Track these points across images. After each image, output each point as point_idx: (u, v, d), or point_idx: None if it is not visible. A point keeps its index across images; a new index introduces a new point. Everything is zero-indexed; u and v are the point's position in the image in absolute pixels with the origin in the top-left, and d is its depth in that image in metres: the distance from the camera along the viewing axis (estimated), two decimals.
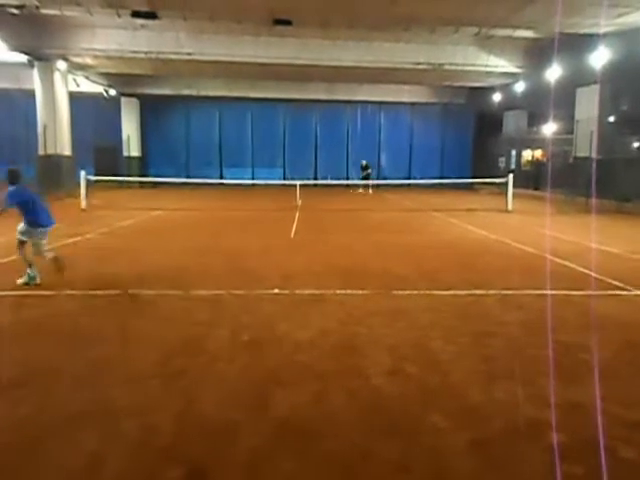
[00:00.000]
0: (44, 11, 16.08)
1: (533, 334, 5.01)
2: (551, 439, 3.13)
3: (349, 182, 29.37)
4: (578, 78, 20.03)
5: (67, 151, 21.75)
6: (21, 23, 17.27)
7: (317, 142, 33.27)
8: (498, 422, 3.36)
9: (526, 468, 2.92)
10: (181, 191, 25.15)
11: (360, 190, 26.19)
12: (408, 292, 6.60)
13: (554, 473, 2.81)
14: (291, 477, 2.81)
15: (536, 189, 25.09)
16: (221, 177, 31.43)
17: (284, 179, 30.31)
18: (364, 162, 26.94)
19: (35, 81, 20.92)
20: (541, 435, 3.20)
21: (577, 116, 21.47)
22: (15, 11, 15.66)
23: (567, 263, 8.38)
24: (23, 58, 20.12)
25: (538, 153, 27.59)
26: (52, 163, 21.15)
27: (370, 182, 25.90)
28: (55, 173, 21.08)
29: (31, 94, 21.32)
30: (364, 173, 26.41)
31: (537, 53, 20.66)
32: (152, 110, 31.47)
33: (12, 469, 2.86)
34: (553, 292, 6.52)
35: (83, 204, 16.33)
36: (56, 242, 9.95)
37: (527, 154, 28.62)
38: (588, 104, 20.61)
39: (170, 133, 32.38)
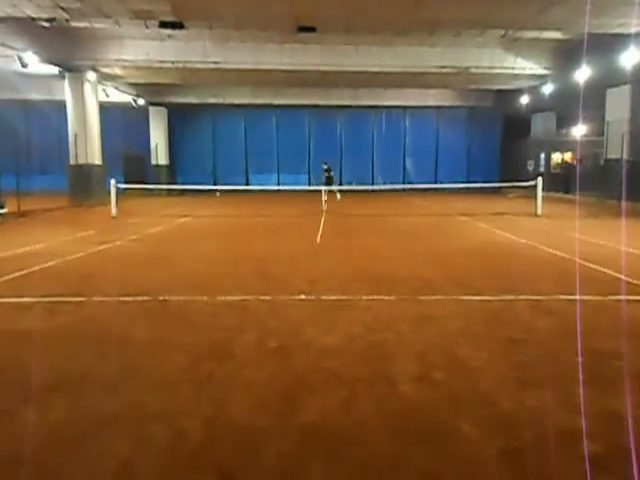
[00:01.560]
0: (74, 24, 16.48)
1: (565, 340, 4.91)
2: (585, 448, 3.05)
3: (375, 187, 29.30)
4: (608, 79, 19.66)
5: (97, 160, 22.21)
6: (52, 36, 17.74)
7: (342, 148, 33.34)
8: (530, 431, 3.29)
9: (559, 478, 2.85)
10: (208, 198, 25.45)
11: (325, 198, 21.28)
12: (436, 297, 6.53)
13: None
14: None
15: (566, 192, 24.65)
16: (247, 183, 31.72)
17: (309, 185, 30.41)
18: (325, 165, 23.78)
19: (66, 92, 21.44)
20: (574, 444, 3.12)
21: (608, 117, 21.07)
22: (46, 24, 16.08)
23: (599, 267, 8.20)
24: (54, 70, 20.64)
25: (568, 156, 27.12)
26: (83, 172, 21.62)
27: (335, 187, 22.82)
28: (86, 182, 21.54)
29: (62, 105, 21.85)
30: (326, 176, 23.28)
31: (565, 54, 20.34)
32: (179, 119, 31.99)
33: (45, 473, 2.91)
34: (585, 297, 6.38)
35: (113, 212, 16.64)
36: (87, 249, 10.17)
37: (556, 157, 28.17)
38: (619, 105, 20.21)
39: (197, 141, 32.85)
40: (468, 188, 26.14)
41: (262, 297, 6.52)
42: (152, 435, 3.26)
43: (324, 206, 18.37)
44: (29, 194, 18.63)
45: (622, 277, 7.51)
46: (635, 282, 7.21)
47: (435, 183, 30.92)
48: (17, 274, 7.85)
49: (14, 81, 22.37)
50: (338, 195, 22.99)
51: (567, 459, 2.99)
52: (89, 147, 21.71)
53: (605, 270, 7.99)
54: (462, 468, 2.93)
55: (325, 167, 23.89)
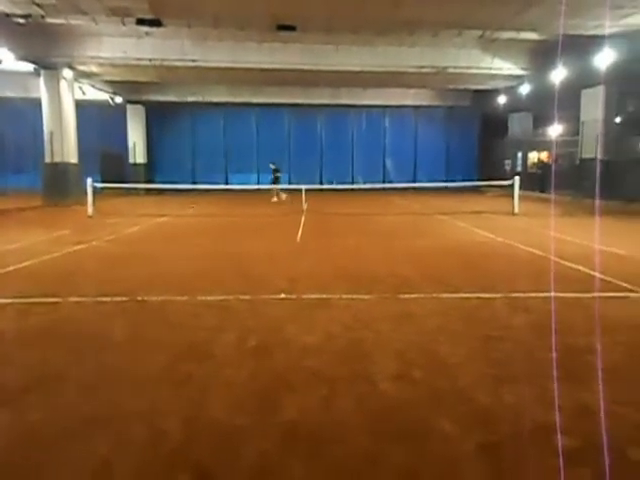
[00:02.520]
0: (50, 20, 16.22)
1: (541, 337, 4.99)
2: (560, 442, 3.11)
3: (355, 186, 29.39)
4: (583, 79, 20.00)
5: (73, 159, 21.88)
6: (27, 32, 17.41)
7: (322, 147, 33.36)
8: (507, 426, 3.34)
9: (535, 472, 2.90)
10: (187, 197, 25.25)
11: (275, 199, 22.54)
12: (415, 296, 6.58)
13: (563, 476, 2.79)
14: None
15: (542, 191, 25.03)
16: (227, 182, 31.55)
17: (289, 184, 30.38)
18: (273, 165, 23.64)
19: (42, 90, 21.07)
20: (550, 438, 3.18)
21: (583, 117, 21.43)
22: (21, 21, 15.79)
23: (574, 265, 8.34)
24: (30, 67, 20.28)
25: (544, 155, 27.54)
26: (59, 171, 21.28)
27: (279, 187, 22.98)
28: (62, 181, 21.20)
29: (38, 103, 21.49)
30: (274, 176, 23.44)
31: (542, 55, 20.64)
32: (157, 117, 31.67)
33: (22, 474, 2.87)
34: (560, 294, 6.49)
35: (90, 211, 16.41)
36: (62, 249, 10.02)
37: (533, 156, 28.59)
38: (593, 105, 20.58)
39: (175, 139, 32.56)
40: (447, 187, 26.40)
41: (242, 296, 6.50)
42: (131, 435, 3.23)
43: (304, 205, 18.38)
44: (3, 193, 18.28)
45: (596, 274, 7.65)
46: (608, 279, 7.35)
47: (414, 182, 31.10)
48: None
49: None
50: (283, 195, 22.95)
51: (543, 453, 3.04)
52: (65, 145, 21.38)
53: (580, 267, 8.14)
54: (441, 464, 2.97)
55: (273, 167, 23.72)
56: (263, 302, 6.31)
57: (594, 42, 17.17)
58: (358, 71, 21.57)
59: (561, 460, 2.92)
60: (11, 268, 8.20)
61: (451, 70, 21.61)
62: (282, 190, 23.06)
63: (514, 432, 3.27)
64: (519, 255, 9.59)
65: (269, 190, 23.13)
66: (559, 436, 3.17)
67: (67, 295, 6.55)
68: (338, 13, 15.38)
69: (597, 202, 17.79)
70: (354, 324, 5.43)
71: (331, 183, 29.65)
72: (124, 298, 6.43)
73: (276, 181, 23.40)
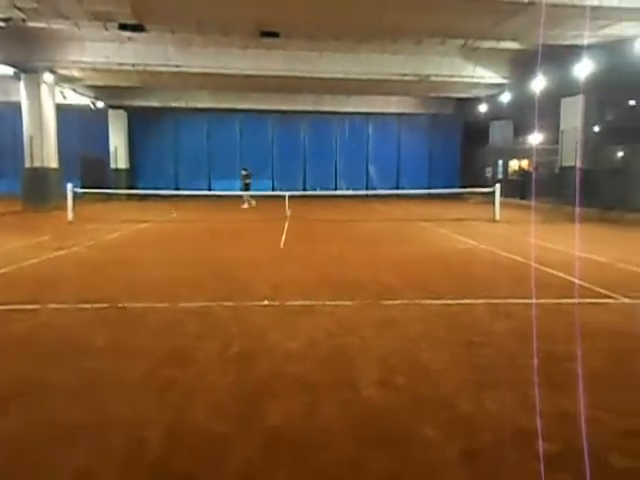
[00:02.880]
0: (31, 24, 16.05)
1: (522, 343, 5.03)
2: (541, 448, 3.14)
3: (338, 192, 29.46)
4: (563, 89, 20.32)
5: (54, 163, 21.60)
6: (7, 36, 17.22)
7: (305, 153, 33.42)
8: (489, 432, 3.36)
9: (517, 478, 2.92)
10: (170, 203, 25.08)
11: (245, 205, 23.16)
12: (398, 302, 6.61)
13: None
14: None
15: (523, 198, 25.33)
16: (209, 188, 31.40)
17: (273, 190, 30.36)
18: (245, 171, 24.26)
19: (21, 93, 20.79)
20: (531, 444, 3.20)
21: (562, 126, 21.74)
22: (1, 24, 15.62)
23: (554, 271, 8.45)
24: (10, 71, 20.03)
25: (524, 163, 27.90)
26: (38, 176, 20.99)
27: (248, 193, 23.41)
28: (41, 186, 20.91)
29: (18, 106, 21.20)
30: (244, 182, 24.07)
31: (522, 64, 20.95)
32: (140, 122, 31.44)
33: None
34: (541, 301, 6.57)
35: (70, 217, 16.21)
36: (42, 255, 9.88)
37: (514, 164, 28.93)
38: (573, 114, 20.90)
39: (158, 145, 32.35)
40: (429, 194, 26.59)
41: (225, 303, 6.47)
42: (112, 443, 3.18)
43: (287, 212, 18.37)
44: None
45: (576, 281, 7.75)
46: (587, 285, 7.45)
47: (397, 189, 31.27)
48: None
49: None
50: (253, 202, 23.37)
51: (525, 458, 3.07)
52: (45, 150, 21.11)
53: (560, 274, 8.24)
54: (424, 471, 2.97)
55: (244, 173, 24.28)
56: (246, 309, 6.28)
57: (573, 52, 17.47)
58: (341, 78, 21.67)
59: (542, 465, 2.94)
60: None
61: (434, 78, 21.83)
62: (252, 197, 23.40)
63: (496, 438, 3.29)
64: (500, 262, 9.69)
65: (240, 197, 23.52)
66: (540, 442, 3.20)
67: (47, 302, 6.45)
68: (322, 20, 15.46)
69: (577, 209, 18.04)
70: (337, 330, 5.43)
71: (314, 190, 29.69)
72: (105, 305, 6.35)
73: (247, 187, 23.79)
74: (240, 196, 23.72)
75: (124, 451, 3.11)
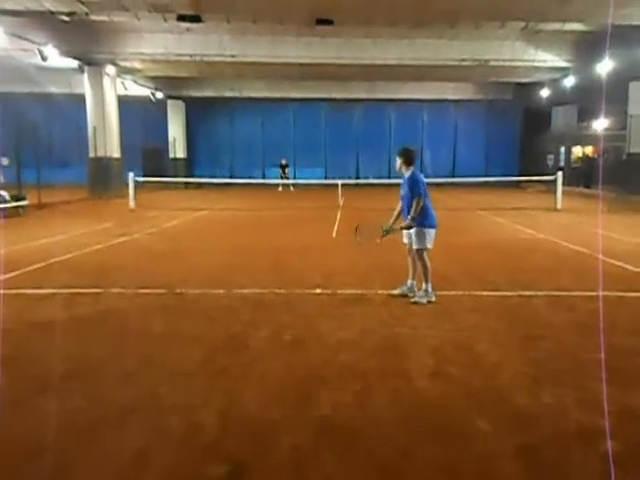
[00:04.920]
0: (93, 17, 16.60)
1: (584, 337, 4.83)
2: (604, 446, 3.00)
3: (392, 181, 29.11)
4: (632, 71, 19.25)
5: (116, 153, 22.39)
6: (72, 30, 17.86)
7: (358, 141, 33.16)
8: (548, 428, 3.24)
9: (577, 476, 2.81)
10: (225, 191, 25.54)
11: (280, 189, 26.27)
12: (453, 292, 6.48)
13: None
14: (333, 476, 2.79)
15: (587, 187, 24.27)
16: (264, 177, 31.72)
17: (325, 178, 30.33)
18: (284, 161, 27.47)
19: (85, 86, 21.60)
20: (593, 442, 3.07)
21: (630, 111, 20.64)
22: (66, 18, 16.21)
23: (620, 263, 8.06)
24: (74, 63, 20.79)
25: (589, 150, 26.66)
26: (102, 165, 21.81)
27: (290, 181, 26.16)
28: (105, 175, 21.73)
29: (82, 99, 22.02)
30: (284, 171, 27.16)
31: (587, 46, 19.94)
32: (197, 112, 32.06)
33: (63, 459, 2.94)
34: (606, 293, 6.27)
35: (131, 205, 16.78)
36: (105, 241, 10.28)
37: (577, 151, 27.71)
38: None
39: (214, 134, 32.92)
40: (486, 182, 25.84)
41: (278, 290, 6.52)
42: (167, 426, 3.27)
43: (340, 200, 18.34)
44: (50, 187, 18.86)
45: None
46: None
47: (453, 177, 30.57)
48: (36, 266, 7.95)
49: (34, 75, 22.57)
50: (291, 188, 26.36)
51: (585, 456, 2.94)
52: (108, 140, 21.88)
53: (626, 266, 7.85)
54: (478, 463, 2.90)
55: (283, 163, 27.27)
56: (298, 296, 6.31)
57: None
58: (396, 64, 21.30)
59: (604, 465, 2.81)
60: (56, 259, 8.44)
61: (493, 63, 21.11)
62: (283, 185, 26.25)
63: (554, 434, 3.17)
64: (562, 252, 9.33)
65: (283, 184, 26.30)
66: (601, 439, 3.06)
67: (109, 286, 6.70)
68: (376, 6, 15.20)
69: None
70: (390, 319, 5.38)
71: (367, 178, 29.46)
72: (163, 290, 6.54)
73: (286, 176, 26.93)
74: (286, 184, 26.23)
75: (179, 434, 3.19)
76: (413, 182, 5.99)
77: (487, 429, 3.22)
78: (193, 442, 3.10)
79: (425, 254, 6.03)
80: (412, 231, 6.00)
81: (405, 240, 6.22)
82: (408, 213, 6.00)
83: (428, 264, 6.02)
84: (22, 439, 3.15)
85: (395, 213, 6.34)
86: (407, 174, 6.10)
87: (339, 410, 3.47)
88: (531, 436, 3.15)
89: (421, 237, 5.96)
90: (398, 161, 6.16)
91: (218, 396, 3.68)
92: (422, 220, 5.94)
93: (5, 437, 3.17)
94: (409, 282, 6.25)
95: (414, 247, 6.03)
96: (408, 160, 6.11)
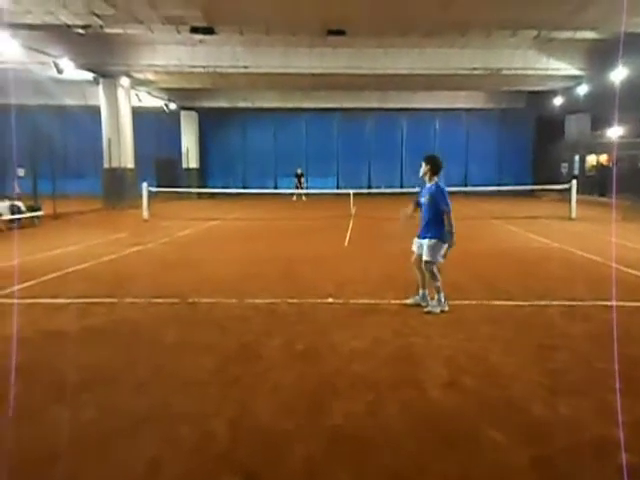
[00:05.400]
0: (108, 30, 16.85)
1: (600, 347, 4.77)
2: (620, 459, 2.95)
3: (404, 190, 29.08)
4: None
5: (130, 164, 22.63)
6: (87, 42, 18.14)
7: (370, 151, 33.20)
8: (563, 439, 3.20)
9: None
10: (238, 201, 25.67)
11: (294, 198, 26.74)
12: (467, 302, 6.43)
13: None
14: None
15: (601, 195, 24.05)
16: (276, 187, 31.86)
17: (337, 188, 30.37)
18: (299, 170, 28.04)
19: (100, 97, 21.92)
20: (609, 454, 3.03)
21: None
22: (81, 31, 16.47)
23: (635, 272, 7.96)
24: (89, 76, 21.11)
25: (603, 158, 26.44)
26: (116, 176, 22.05)
27: (303, 191, 26.63)
28: (119, 185, 21.95)
29: (96, 110, 22.33)
30: (299, 180, 27.62)
31: (600, 54, 19.85)
32: (210, 123, 32.35)
33: (76, 468, 2.96)
34: (622, 303, 6.20)
35: (145, 215, 16.91)
36: (119, 251, 10.36)
37: (591, 159, 27.48)
38: None
39: (227, 145, 33.17)
40: (500, 191, 25.72)
41: (290, 300, 6.53)
42: (179, 436, 3.28)
43: (352, 210, 18.35)
44: (65, 197, 19.09)
45: None
46: None
47: (465, 185, 30.46)
48: (51, 275, 8.03)
49: (50, 87, 22.95)
50: (303, 197, 26.69)
51: (601, 469, 2.90)
52: (122, 151, 22.14)
53: None
54: (493, 475, 2.87)
55: (299, 172, 27.81)
56: (311, 306, 6.31)
57: None
58: (407, 74, 21.35)
59: (619, 477, 2.77)
60: (71, 269, 8.52)
61: (505, 72, 21.08)
62: (297, 195, 26.71)
63: (570, 446, 3.13)
64: (576, 261, 9.24)
65: (298, 194, 26.75)
66: (617, 451, 3.01)
67: (123, 296, 6.75)
68: (387, 16, 15.27)
69: None
70: (403, 329, 5.36)
71: (379, 188, 29.47)
72: (176, 300, 6.57)
73: (301, 185, 27.38)
74: (300, 194, 26.61)
75: (191, 444, 3.19)
76: (439, 195, 5.86)
77: (501, 440, 3.18)
78: (205, 452, 3.10)
79: (435, 267, 5.95)
80: (425, 242, 5.92)
81: (414, 248, 6.12)
82: (429, 224, 5.91)
83: (438, 276, 5.96)
84: (36, 448, 3.17)
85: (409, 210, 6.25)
86: (430, 184, 6.00)
87: (351, 420, 3.45)
88: (545, 447, 3.11)
89: (435, 250, 5.87)
90: (423, 168, 6.02)
91: (230, 405, 3.68)
92: (442, 233, 5.84)
93: (19, 446, 3.19)
94: (421, 292, 6.21)
95: (424, 258, 5.93)
96: (435, 168, 5.98)
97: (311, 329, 5.40)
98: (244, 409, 3.62)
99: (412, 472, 2.89)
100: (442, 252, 5.94)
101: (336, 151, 33.33)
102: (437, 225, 5.86)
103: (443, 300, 5.99)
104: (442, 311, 5.94)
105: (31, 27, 15.78)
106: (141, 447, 3.15)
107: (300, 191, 26.43)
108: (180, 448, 3.15)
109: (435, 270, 5.97)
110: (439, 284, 5.96)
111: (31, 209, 15.18)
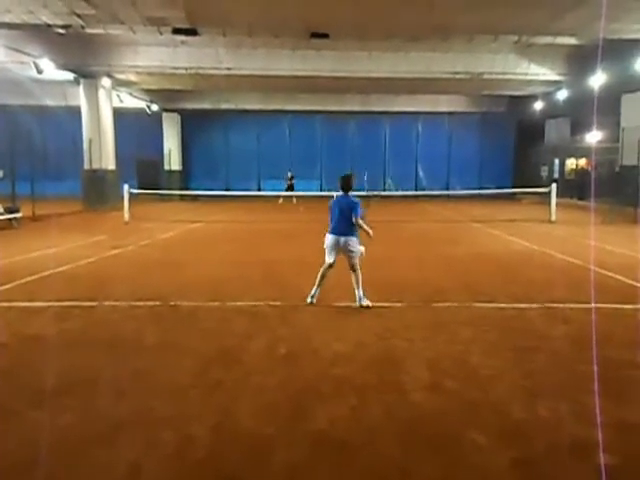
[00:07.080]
0: (89, 30, 16.63)
1: (579, 349, 4.83)
2: (599, 460, 2.99)
3: (387, 193, 29.22)
4: (624, 84, 19.45)
5: (111, 165, 22.38)
6: (67, 42, 17.91)
7: (353, 153, 33.29)
8: (543, 441, 3.23)
9: None
10: (220, 204, 25.53)
11: (281, 201, 26.16)
12: (448, 304, 6.47)
13: None
14: None
15: (580, 199, 24.40)
16: (259, 189, 31.77)
17: (321, 190, 30.40)
18: (290, 173, 27.70)
19: (81, 98, 21.64)
20: (589, 455, 3.06)
21: (623, 123, 20.84)
22: (62, 31, 16.24)
23: (614, 275, 8.08)
24: (69, 76, 20.84)
25: (582, 162, 26.86)
26: (97, 177, 21.78)
27: (294, 194, 25.94)
28: (100, 187, 21.68)
29: (77, 111, 22.05)
30: (289, 184, 27.19)
31: (580, 60, 20.16)
32: (192, 125, 32.15)
33: (55, 474, 2.91)
34: (600, 305, 6.29)
35: (126, 217, 16.73)
36: (99, 253, 10.24)
37: (571, 163, 27.90)
38: (635, 111, 19.99)
39: (210, 147, 32.98)
40: (481, 194, 25.98)
41: (272, 303, 6.51)
42: (160, 440, 3.24)
43: (281, 201, 18.39)
44: (44, 199, 18.78)
45: (638, 285, 7.39)
46: None
47: (447, 189, 30.72)
48: (29, 278, 7.90)
49: (29, 87, 22.61)
50: (294, 200, 25.89)
51: (580, 470, 2.93)
52: (103, 152, 21.89)
53: (620, 278, 7.88)
54: (473, 477, 2.88)
55: (290, 175, 27.41)
56: (293, 309, 6.29)
57: (635, 46, 16.68)
58: (390, 77, 21.47)
59: (598, 478, 2.80)
60: (50, 272, 8.40)
61: (486, 76, 21.30)
62: (286, 198, 25.96)
63: (550, 448, 3.16)
64: (556, 264, 9.35)
65: (286, 196, 26.02)
66: (597, 452, 3.05)
67: (103, 299, 6.67)
68: (370, 20, 15.33)
69: (638, 210, 17.22)
70: (385, 333, 5.37)
71: (362, 190, 29.55)
72: (157, 303, 6.51)
73: (291, 188, 26.81)
74: (289, 196, 25.78)
75: (172, 449, 3.16)
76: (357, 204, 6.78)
77: (482, 442, 3.20)
78: (187, 457, 3.07)
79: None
80: (354, 243, 6.53)
81: (332, 259, 6.73)
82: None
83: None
84: (13, 454, 3.11)
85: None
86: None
87: (335, 424, 3.45)
88: (526, 449, 3.14)
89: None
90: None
91: (212, 410, 3.65)
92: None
93: None
94: (358, 292, 6.51)
95: (359, 256, 6.54)
96: (347, 187, 7.14)
97: (293, 332, 5.38)
98: (226, 413, 3.60)
99: (395, 475, 2.89)
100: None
101: (319, 153, 33.35)
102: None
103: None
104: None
105: (10, 26, 15.54)
106: (121, 452, 3.11)
107: (291, 193, 25.95)
108: (161, 453, 3.11)
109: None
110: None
111: (9, 211, 14.93)
